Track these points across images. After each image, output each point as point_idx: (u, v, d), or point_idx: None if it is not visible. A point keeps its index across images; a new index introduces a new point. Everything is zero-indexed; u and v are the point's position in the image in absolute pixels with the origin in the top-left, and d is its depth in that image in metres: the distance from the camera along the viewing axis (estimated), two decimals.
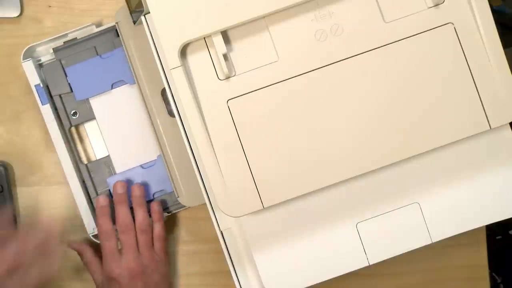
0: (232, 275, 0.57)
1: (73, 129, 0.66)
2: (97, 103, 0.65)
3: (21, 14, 0.67)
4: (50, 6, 0.67)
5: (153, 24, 0.52)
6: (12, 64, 0.64)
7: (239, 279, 0.57)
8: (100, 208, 0.62)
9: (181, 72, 0.51)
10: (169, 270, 0.63)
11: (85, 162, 0.66)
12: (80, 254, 0.63)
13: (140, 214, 0.61)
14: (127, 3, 0.59)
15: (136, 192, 0.62)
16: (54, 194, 0.67)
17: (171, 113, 0.62)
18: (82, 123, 0.66)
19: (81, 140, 0.67)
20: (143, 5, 0.53)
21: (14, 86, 0.66)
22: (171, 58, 0.51)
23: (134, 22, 0.61)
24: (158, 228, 0.62)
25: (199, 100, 0.52)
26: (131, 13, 0.60)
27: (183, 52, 0.52)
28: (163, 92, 0.62)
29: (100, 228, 0.61)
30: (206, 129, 0.52)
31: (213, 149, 0.52)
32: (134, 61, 0.62)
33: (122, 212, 0.61)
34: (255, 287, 0.57)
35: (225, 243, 0.57)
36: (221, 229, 0.57)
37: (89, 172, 0.65)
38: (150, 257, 0.60)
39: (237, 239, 0.57)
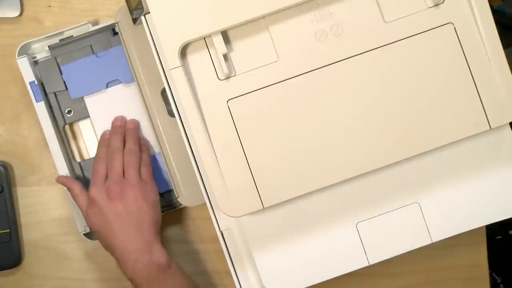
0: (232, 275, 0.57)
1: (67, 127, 0.66)
2: (92, 102, 0.65)
3: (21, 14, 0.67)
4: (50, 6, 0.67)
5: (153, 24, 0.52)
6: (12, 64, 0.64)
7: (239, 279, 0.57)
8: (103, 139, 0.64)
9: (181, 72, 0.51)
10: (157, 198, 0.61)
11: (79, 160, 0.66)
12: (68, 188, 0.62)
13: (130, 141, 0.62)
14: (127, 3, 0.59)
15: (130, 125, 0.64)
16: (54, 194, 0.67)
17: (171, 113, 0.62)
18: (77, 121, 0.66)
19: (75, 138, 0.67)
20: (143, 5, 0.53)
21: (14, 86, 0.66)
22: (171, 58, 0.51)
23: (134, 22, 0.61)
24: (144, 156, 0.63)
25: (199, 100, 0.52)
26: (131, 13, 0.59)
27: (183, 52, 0.52)
28: (163, 92, 0.61)
29: (96, 154, 0.63)
30: (206, 129, 0.52)
31: (213, 149, 0.52)
32: (134, 61, 0.62)
33: (115, 139, 0.62)
34: (255, 287, 0.57)
35: (225, 243, 0.57)
36: (221, 229, 0.57)
37: (82, 170, 0.65)
38: (135, 180, 0.59)
39: (237, 239, 0.57)
